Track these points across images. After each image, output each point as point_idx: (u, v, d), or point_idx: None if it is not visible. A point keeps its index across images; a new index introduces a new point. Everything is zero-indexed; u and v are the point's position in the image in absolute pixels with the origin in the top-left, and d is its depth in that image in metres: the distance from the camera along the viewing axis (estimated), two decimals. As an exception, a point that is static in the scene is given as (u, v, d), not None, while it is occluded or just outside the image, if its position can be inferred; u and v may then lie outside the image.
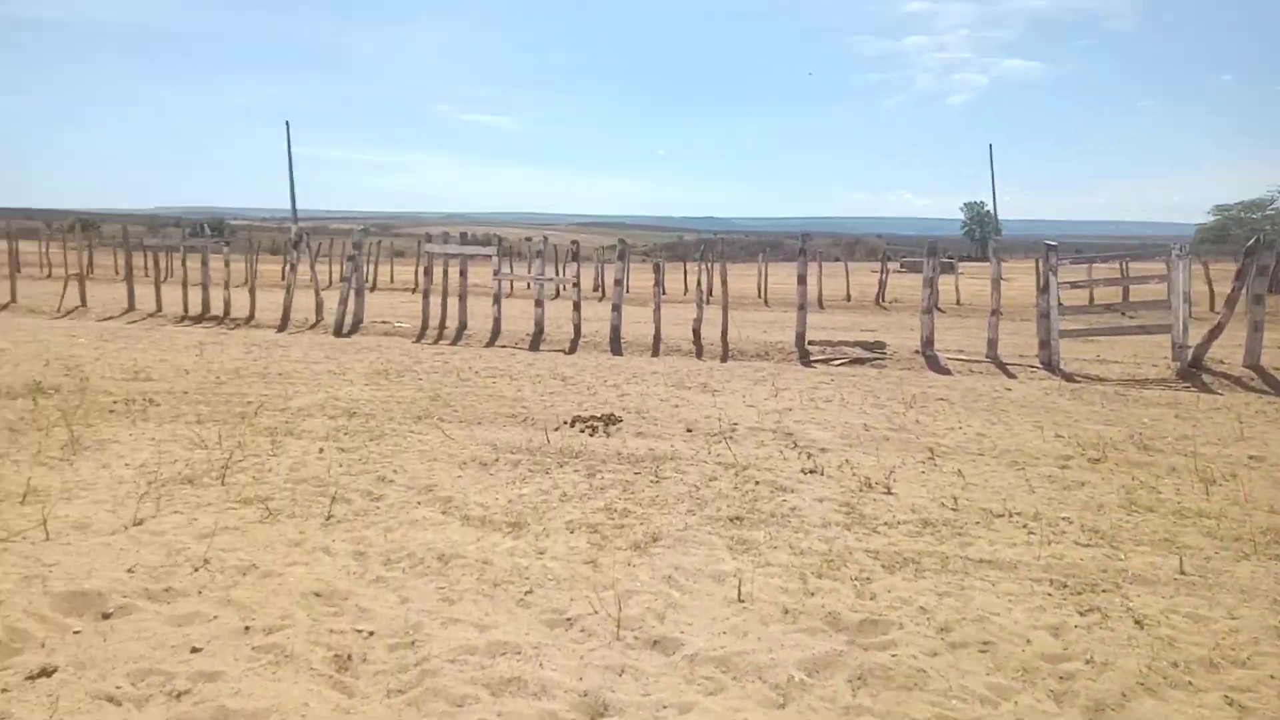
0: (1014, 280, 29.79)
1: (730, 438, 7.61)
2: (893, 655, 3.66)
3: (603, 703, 3.26)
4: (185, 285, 16.21)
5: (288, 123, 37.63)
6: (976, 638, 3.85)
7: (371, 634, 3.74)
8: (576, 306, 14.31)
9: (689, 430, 7.90)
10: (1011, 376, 11.69)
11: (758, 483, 6.20)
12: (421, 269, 15.78)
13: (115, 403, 8.39)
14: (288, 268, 16.00)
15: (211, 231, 30.88)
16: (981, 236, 74.24)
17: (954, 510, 5.69)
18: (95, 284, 20.28)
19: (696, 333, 14.24)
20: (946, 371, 12.08)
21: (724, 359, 13.00)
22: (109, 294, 17.94)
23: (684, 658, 3.63)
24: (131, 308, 16.43)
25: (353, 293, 14.94)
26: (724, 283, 14.66)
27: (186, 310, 16.01)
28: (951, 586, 4.43)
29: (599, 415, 8.20)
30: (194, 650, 3.52)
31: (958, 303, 25.14)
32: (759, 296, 26.38)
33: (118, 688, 3.22)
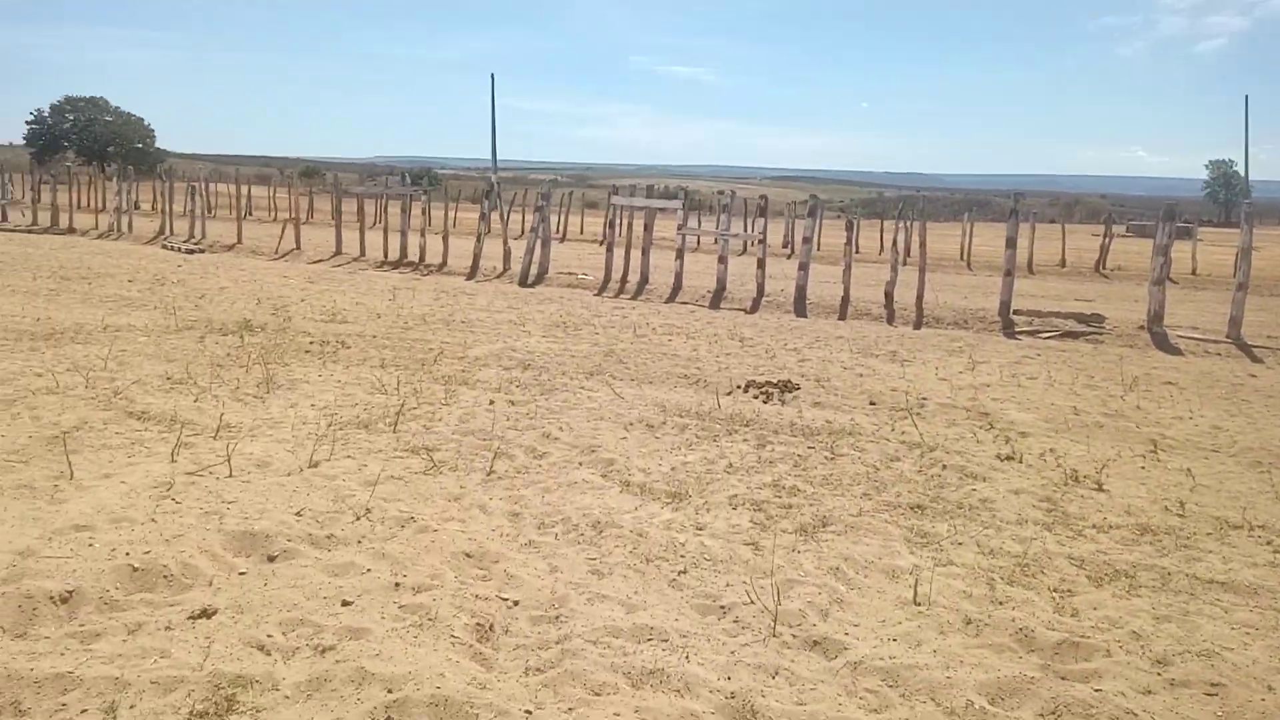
0: (1265, 250, 26.38)
1: (918, 414, 7.02)
2: (1095, 689, 3.13)
3: (751, 708, 2.95)
4: (385, 232, 17.01)
5: (492, 75, 38.81)
6: (1202, 676, 3.24)
7: (516, 604, 3.59)
8: (760, 264, 13.84)
9: (872, 403, 7.36)
10: (1257, 361, 10.25)
11: (945, 467, 5.64)
12: (606, 221, 15.75)
13: (311, 343, 8.82)
14: (479, 217, 16.43)
15: (414, 181, 32.56)
16: (1227, 199, 66.75)
17: (1179, 516, 4.92)
18: (312, 228, 21.73)
19: (889, 296, 13.44)
20: (1177, 351, 10.75)
21: (917, 326, 12.19)
22: (322, 237, 19.13)
23: (846, 664, 3.25)
24: (338, 252, 17.44)
25: (539, 243, 15.14)
26: (922, 243, 13.72)
27: (386, 255, 16.81)
28: (1173, 610, 3.78)
29: (775, 381, 7.80)
30: (344, 604, 3.50)
31: (1194, 273, 22.51)
32: (961, 259, 24.75)
33: (269, 636, 3.22)
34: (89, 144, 76.51)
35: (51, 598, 3.40)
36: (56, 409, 6.04)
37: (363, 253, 17.15)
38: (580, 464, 5.45)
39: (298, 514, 4.38)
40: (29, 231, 20.71)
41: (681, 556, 4.12)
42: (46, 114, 79.02)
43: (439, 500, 4.70)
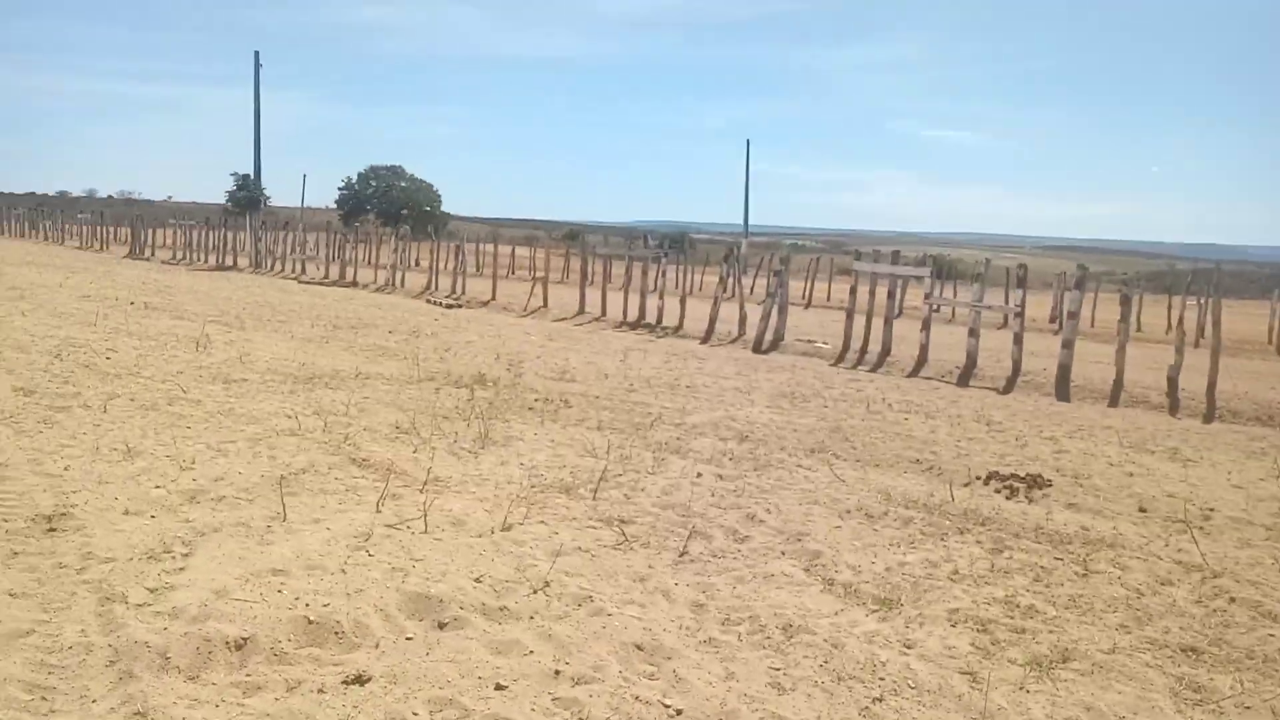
0: None
1: (1201, 528, 5.87)
2: None
3: None
4: (626, 292, 17.38)
5: (748, 141, 39.76)
6: None
7: (679, 714, 3.19)
8: (1017, 339, 12.64)
9: (1142, 509, 6.27)
10: None
11: (1233, 600, 4.59)
12: (848, 288, 15.13)
13: (536, 400, 8.95)
14: (716, 280, 16.37)
15: (671, 245, 33.60)
16: None
17: None
18: (563, 288, 22.76)
19: (1172, 382, 11.76)
20: None
21: (1208, 419, 10.53)
22: (570, 296, 19.91)
23: None
24: (581, 311, 18.04)
25: (775, 309, 14.79)
26: (1216, 321, 11.96)
27: (625, 316, 17.14)
28: None
29: (1023, 474, 6.88)
30: (498, 687, 3.26)
31: None
32: (1269, 342, 21.53)
33: (414, 714, 3.03)
34: (387, 207, 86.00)
35: (228, 643, 3.42)
36: (292, 450, 6.42)
37: (604, 313, 17.62)
38: (782, 553, 4.96)
39: (476, 580, 4.24)
40: (321, 284, 23.25)
41: (880, 679, 3.53)
42: (354, 181, 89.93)
43: (622, 579, 4.40)
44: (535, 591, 4.16)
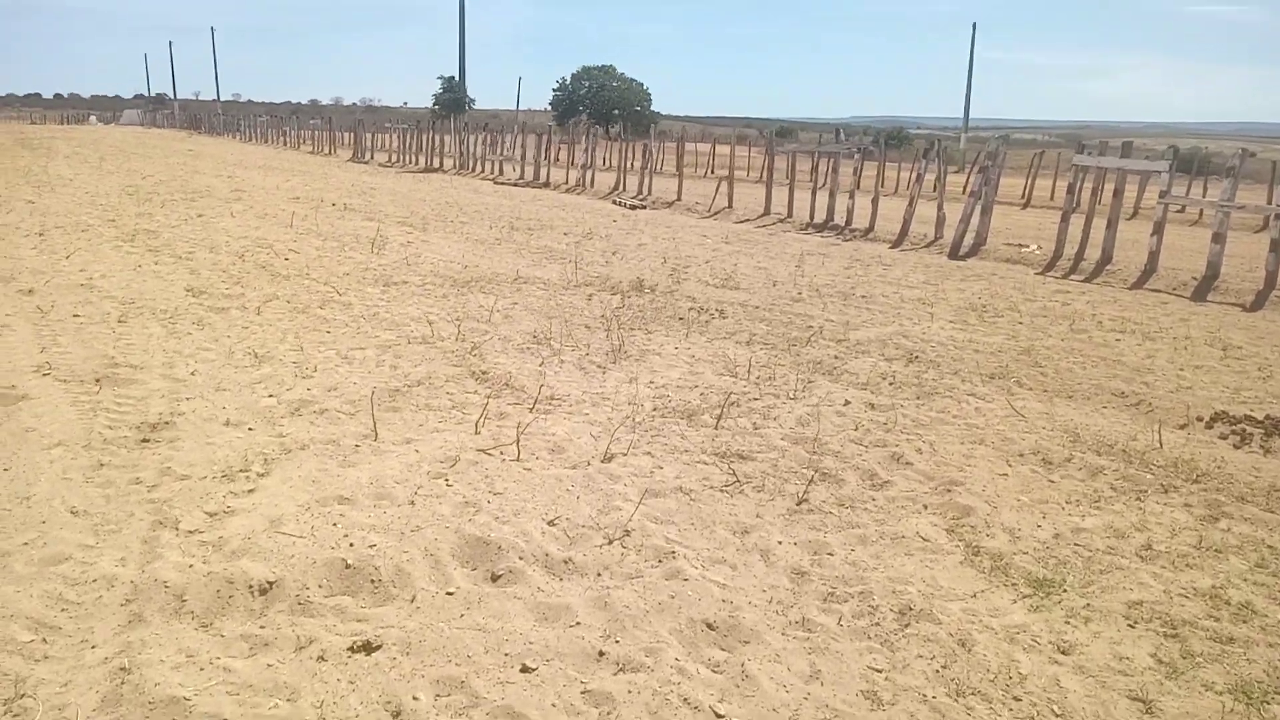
0: None
1: None
2: None
3: None
4: (814, 192, 16.12)
5: (974, 25, 35.67)
6: None
7: (733, 725, 2.56)
8: (1275, 246, 10.49)
9: None
10: None
11: None
12: (1064, 185, 13.20)
13: (690, 309, 8.30)
14: (913, 178, 14.78)
15: (888, 141, 31.13)
16: None
17: None
18: (749, 186, 21.66)
19: None
20: None
21: None
22: (757, 196, 18.84)
23: None
24: (766, 212, 16.98)
25: (978, 209, 13.15)
26: None
27: (812, 217, 15.95)
28: None
29: (1260, 417, 5.54)
30: (524, 669, 2.76)
31: None
32: None
33: (414, 699, 2.59)
34: (599, 108, 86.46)
35: (251, 587, 3.12)
36: (416, 360, 6.17)
37: (790, 213, 16.50)
38: (924, 507, 4.13)
39: (550, 523, 3.74)
40: (514, 185, 23.39)
41: (1017, 698, 2.73)
42: (568, 82, 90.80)
43: (719, 531, 3.77)
44: (610, 542, 3.61)
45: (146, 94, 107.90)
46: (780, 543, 3.69)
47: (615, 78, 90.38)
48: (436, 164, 29.39)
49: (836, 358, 6.76)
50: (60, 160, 26.03)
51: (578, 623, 3.02)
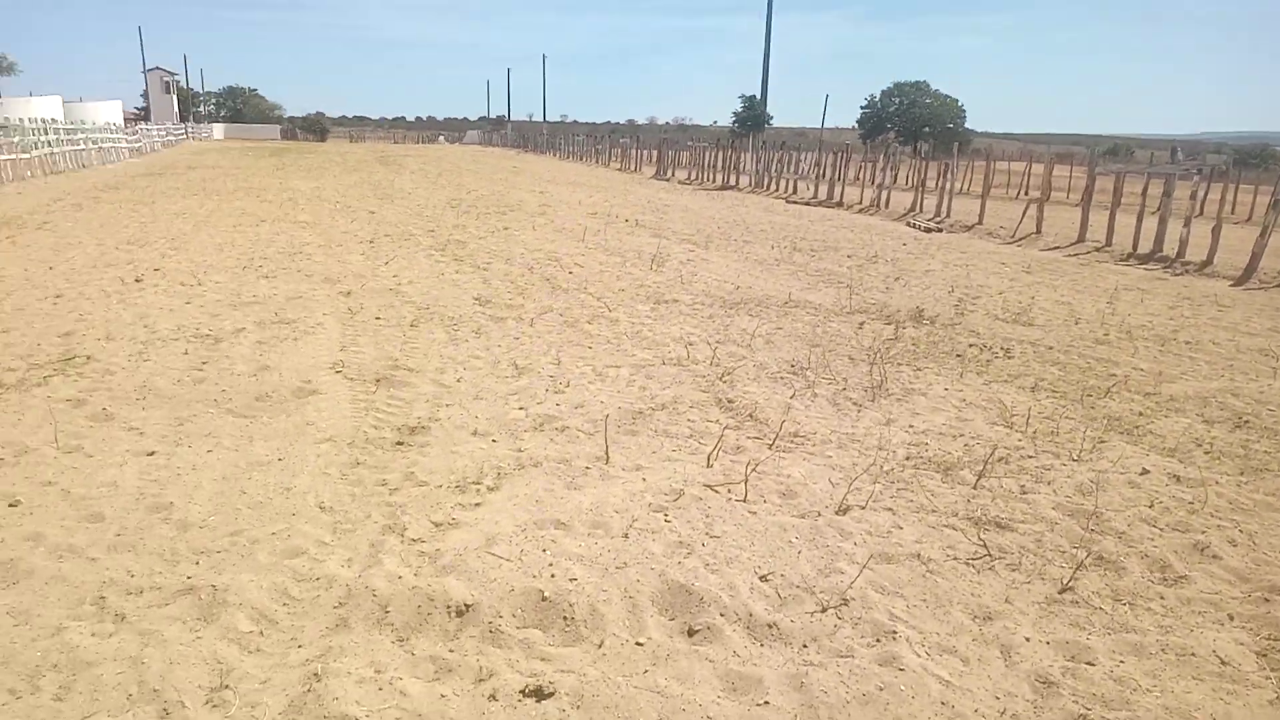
0: None
1: None
2: None
3: None
4: (1139, 218, 14.21)
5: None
6: None
7: None
8: None
9: None
10: None
11: None
12: None
13: (971, 346, 7.57)
14: (1270, 203, 12.53)
15: (1248, 160, 26.93)
16: None
17: None
18: (1063, 209, 19.65)
19: None
20: None
21: None
22: (1070, 220, 17.02)
23: None
24: (1080, 239, 15.22)
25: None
26: None
27: (1135, 247, 14.07)
28: None
29: None
30: (698, 744, 2.50)
31: None
32: None
33: (576, 757, 2.43)
34: (908, 125, 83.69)
35: (450, 607, 3.14)
36: (666, 381, 6.10)
37: (1108, 241, 14.69)
38: (1230, 618, 3.33)
39: (762, 578, 3.45)
40: (806, 204, 23.04)
41: None
42: (877, 99, 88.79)
43: (955, 614, 3.27)
44: (825, 610, 3.25)
45: (487, 116, 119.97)
46: (1028, 639, 3.13)
47: (928, 94, 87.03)
48: (732, 181, 29.76)
49: (1140, 415, 5.80)
50: (407, 175, 29.46)
51: (766, 701, 2.71)
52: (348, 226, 14.44)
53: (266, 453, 4.55)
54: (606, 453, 4.67)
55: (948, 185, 19.16)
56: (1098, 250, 14.51)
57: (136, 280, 9.15)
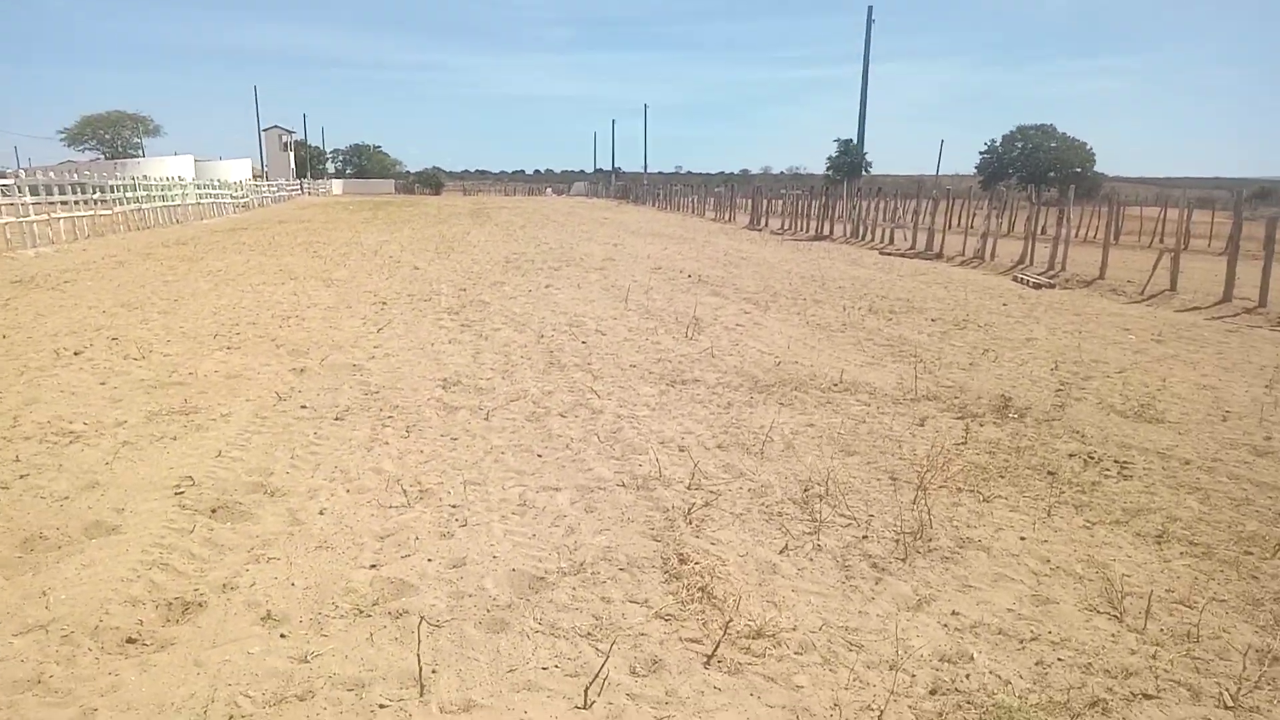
0: None
1: None
2: None
3: None
4: (1306, 273, 11.57)
5: None
6: None
7: None
8: None
9: None
10: None
11: None
12: None
13: (1071, 456, 5.48)
14: None
15: None
16: None
17: None
18: (1204, 259, 16.87)
19: None
20: None
21: None
22: (1214, 274, 14.35)
23: None
24: (1225, 298, 12.58)
25: None
26: None
27: (1300, 309, 11.43)
28: None
29: None
30: None
31: None
32: None
33: None
34: (1031, 170, 79.41)
35: None
36: (609, 520, 4.31)
37: (1261, 301, 12.03)
38: None
39: None
40: (902, 255, 20.81)
41: None
42: (998, 144, 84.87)
43: None
44: None
45: (597, 168, 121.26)
46: None
47: (1054, 137, 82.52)
48: (826, 230, 27.73)
49: (1337, 597, 3.65)
50: (488, 228, 28.71)
51: None
52: (376, 285, 13.28)
53: (-80, 655, 3.00)
54: (420, 681, 2.90)
55: (1063, 233, 16.67)
56: (1248, 312, 11.86)
57: (76, 353, 7.99)
